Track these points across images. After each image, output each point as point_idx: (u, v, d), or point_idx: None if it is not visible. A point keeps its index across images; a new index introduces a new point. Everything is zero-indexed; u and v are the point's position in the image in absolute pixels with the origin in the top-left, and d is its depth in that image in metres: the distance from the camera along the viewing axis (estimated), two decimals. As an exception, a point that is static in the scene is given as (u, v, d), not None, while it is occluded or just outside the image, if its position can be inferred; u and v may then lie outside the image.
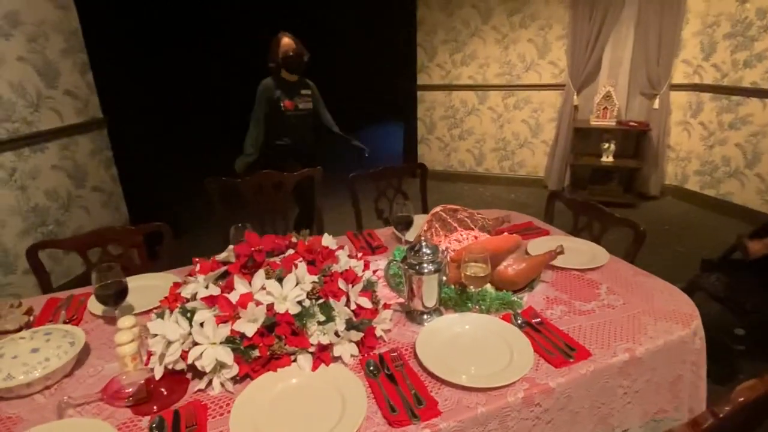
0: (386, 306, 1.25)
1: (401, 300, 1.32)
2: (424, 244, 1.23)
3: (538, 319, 1.24)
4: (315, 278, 1.13)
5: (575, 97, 4.33)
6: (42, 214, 2.85)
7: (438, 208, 1.54)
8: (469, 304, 1.29)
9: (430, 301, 1.25)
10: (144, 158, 3.64)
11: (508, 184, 4.95)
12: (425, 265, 1.22)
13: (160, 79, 5.03)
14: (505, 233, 1.47)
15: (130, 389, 1.02)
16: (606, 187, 4.38)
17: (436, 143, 5.20)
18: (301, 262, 1.15)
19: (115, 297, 1.18)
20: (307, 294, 1.11)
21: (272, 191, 2.10)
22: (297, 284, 1.11)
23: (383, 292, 1.35)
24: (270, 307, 1.05)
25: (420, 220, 1.60)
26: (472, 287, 1.28)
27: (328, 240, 1.31)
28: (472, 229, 1.55)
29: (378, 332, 1.17)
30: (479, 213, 1.63)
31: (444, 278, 1.31)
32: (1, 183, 2.58)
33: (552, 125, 4.63)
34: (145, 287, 1.42)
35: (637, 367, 1.14)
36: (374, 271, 1.29)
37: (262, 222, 2.13)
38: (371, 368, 1.07)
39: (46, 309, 1.37)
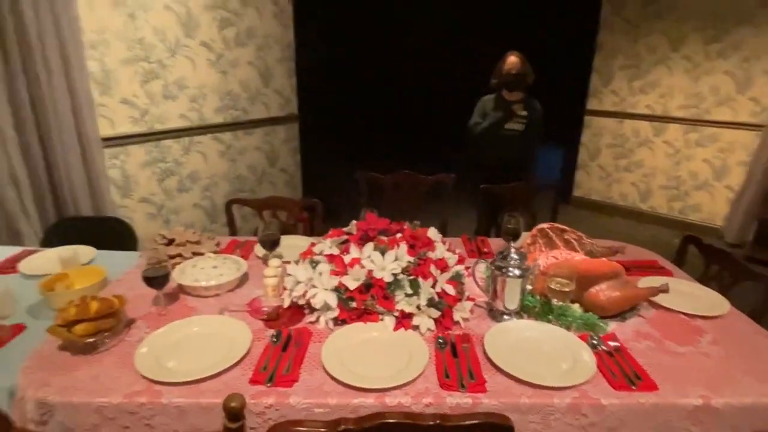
0: (470, 299, 1.42)
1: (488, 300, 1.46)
2: (513, 250, 1.37)
3: (617, 344, 1.26)
4: (411, 259, 1.37)
5: (778, 140, 3.69)
6: (242, 182, 3.66)
7: (545, 225, 1.63)
8: (550, 317, 1.37)
9: (512, 304, 1.38)
10: (324, 150, 4.31)
11: (674, 228, 4.43)
12: (510, 269, 1.35)
13: (348, 84, 5.82)
14: (604, 258, 1.49)
15: (266, 309, 1.39)
16: (805, 251, 3.62)
17: (597, 171, 4.93)
18: (403, 243, 1.40)
19: (271, 243, 1.59)
20: (402, 269, 1.34)
21: (408, 189, 2.40)
22: (395, 260, 1.35)
23: (474, 290, 1.51)
24: (370, 272, 1.32)
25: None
26: (555, 300, 1.36)
27: (432, 233, 1.53)
28: (577, 252, 1.60)
29: (456, 317, 1.35)
30: (591, 239, 1.66)
31: (529, 286, 1.42)
32: (219, 154, 3.43)
33: (741, 170, 4.00)
34: (296, 245, 1.83)
35: (713, 417, 1.10)
36: (466, 268, 1.47)
37: (395, 213, 2.44)
38: (440, 341, 1.26)
39: (229, 245, 1.88)
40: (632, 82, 4.47)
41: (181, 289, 1.50)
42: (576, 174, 5.09)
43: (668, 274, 1.71)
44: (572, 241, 1.63)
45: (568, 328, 1.34)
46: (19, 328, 1.37)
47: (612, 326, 1.36)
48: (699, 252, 1.79)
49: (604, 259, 1.48)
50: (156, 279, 1.34)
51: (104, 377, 1.12)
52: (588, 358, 1.19)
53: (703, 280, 1.71)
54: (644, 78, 4.39)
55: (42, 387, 1.09)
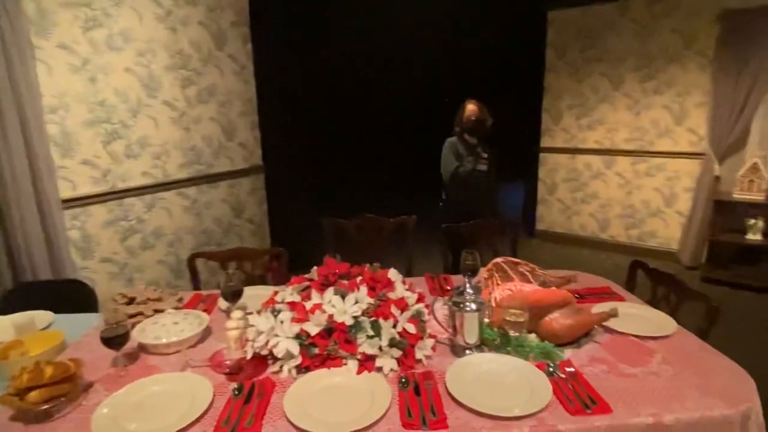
0: (432, 336, 1.45)
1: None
2: (467, 285, 1.42)
3: (572, 369, 1.31)
4: (371, 300, 1.40)
5: (716, 167, 3.97)
6: (209, 235, 3.64)
7: (499, 259, 1.71)
8: (509, 348, 1.42)
9: (472, 338, 1.42)
10: (291, 198, 4.36)
11: (634, 254, 4.54)
12: (467, 304, 1.40)
13: (310, 134, 5.96)
14: (553, 287, 1.56)
15: (228, 362, 1.39)
16: (754, 268, 3.83)
17: (557, 205, 5.14)
18: (363, 286, 1.44)
19: (232, 295, 1.59)
20: (363, 311, 1.38)
21: (372, 233, 2.45)
22: (356, 303, 1.39)
23: (436, 327, 1.54)
24: (331, 316, 1.35)
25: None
26: (511, 332, 1.41)
27: (392, 273, 1.57)
28: (530, 283, 1.66)
29: (418, 355, 1.38)
30: (543, 270, 1.74)
31: (487, 320, 1.47)
32: (184, 209, 3.42)
33: (688, 195, 4.26)
34: (260, 295, 1.83)
35: (664, 434, 1.14)
36: (427, 306, 1.51)
37: (362, 257, 2.48)
38: (403, 381, 1.28)
39: (192, 300, 1.87)
40: (580, 120, 4.77)
41: (142, 348, 1.48)
42: (538, 208, 5.29)
43: (620, 299, 1.79)
44: (526, 273, 1.71)
45: (526, 358, 1.38)
46: (-33, 402, 1.31)
47: (568, 353, 1.42)
48: (645, 275, 1.89)
49: (553, 288, 1.55)
50: (113, 339, 1.32)
51: (58, 446, 1.09)
52: (544, 386, 1.23)
53: (652, 302, 1.80)
54: (591, 115, 4.69)
55: (-10, 462, 1.04)
